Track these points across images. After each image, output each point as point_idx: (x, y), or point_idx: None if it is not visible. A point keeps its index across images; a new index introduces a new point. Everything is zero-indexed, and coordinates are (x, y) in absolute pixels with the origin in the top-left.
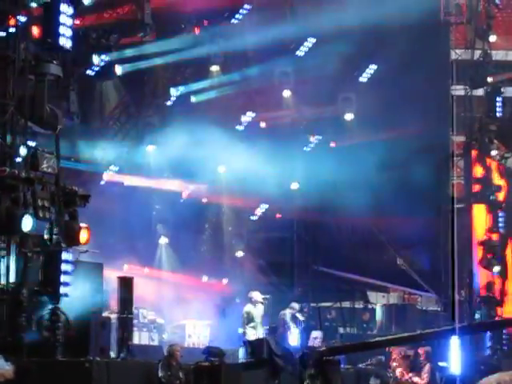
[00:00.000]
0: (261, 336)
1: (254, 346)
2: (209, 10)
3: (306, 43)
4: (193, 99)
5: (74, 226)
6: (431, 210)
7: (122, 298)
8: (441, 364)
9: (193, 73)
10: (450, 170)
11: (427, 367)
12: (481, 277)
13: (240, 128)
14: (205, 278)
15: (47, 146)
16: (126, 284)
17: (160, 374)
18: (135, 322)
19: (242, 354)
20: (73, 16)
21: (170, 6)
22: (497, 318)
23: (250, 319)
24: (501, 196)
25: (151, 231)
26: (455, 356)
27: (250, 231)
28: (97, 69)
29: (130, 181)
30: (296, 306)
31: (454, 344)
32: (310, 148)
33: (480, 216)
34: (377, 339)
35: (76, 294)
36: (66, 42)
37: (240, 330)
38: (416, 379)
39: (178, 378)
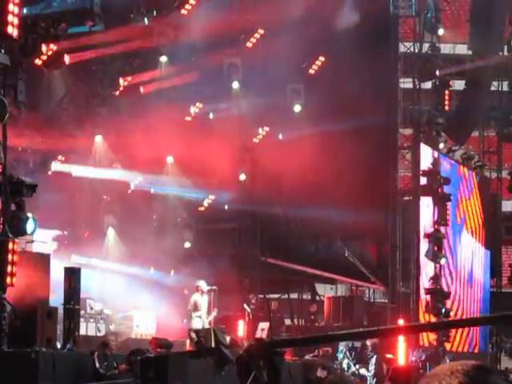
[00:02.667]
0: (206, 326)
1: (200, 336)
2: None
3: (255, 34)
4: (141, 89)
5: (21, 216)
6: (379, 203)
7: (68, 289)
8: (388, 356)
9: (141, 63)
10: (397, 163)
11: (374, 359)
12: (428, 269)
13: (189, 118)
14: (152, 269)
15: None
16: (72, 274)
17: (97, 365)
18: (82, 312)
19: (188, 344)
20: (20, 5)
21: None
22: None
23: (196, 308)
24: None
25: (99, 222)
26: (402, 348)
27: (197, 222)
28: (45, 58)
29: (77, 171)
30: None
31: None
32: (258, 139)
33: (427, 208)
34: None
35: (22, 284)
36: (13, 31)
37: (185, 320)
38: (363, 371)
39: (114, 367)
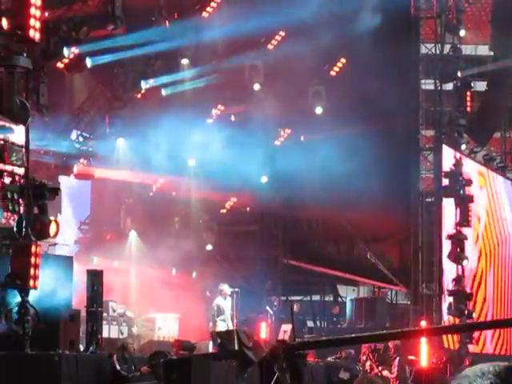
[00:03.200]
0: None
1: (223, 338)
2: (179, 2)
3: (276, 36)
4: (163, 92)
5: (44, 219)
6: (401, 204)
7: (91, 292)
8: (410, 357)
9: (163, 66)
10: (419, 164)
11: (397, 361)
12: (450, 271)
13: (210, 121)
14: (174, 271)
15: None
16: (95, 277)
17: (118, 367)
18: (105, 315)
19: (211, 347)
20: (42, 8)
21: None
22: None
23: (219, 312)
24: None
25: (121, 224)
26: (424, 349)
27: (219, 224)
28: (67, 61)
29: (100, 173)
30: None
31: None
32: (280, 142)
33: (449, 210)
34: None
35: (45, 287)
36: (35, 35)
37: (210, 324)
38: (385, 373)
39: (134, 369)
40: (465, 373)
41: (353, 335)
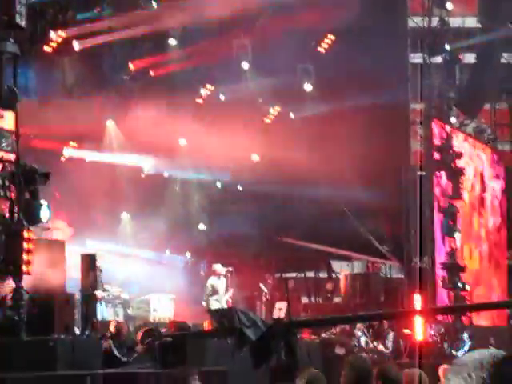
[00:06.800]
0: (224, 307)
1: (223, 316)
2: None
3: (263, 15)
4: (151, 73)
5: (35, 204)
6: (393, 179)
7: (85, 275)
8: (405, 331)
9: (151, 47)
10: (409, 138)
11: (391, 335)
12: (443, 244)
13: (199, 101)
14: (168, 252)
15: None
16: (89, 260)
17: (117, 354)
18: (99, 297)
19: (207, 326)
20: None
21: None
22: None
23: (214, 292)
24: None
25: (113, 207)
26: (419, 323)
27: (211, 204)
28: (54, 45)
29: (90, 157)
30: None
31: None
32: (270, 119)
33: (441, 183)
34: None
35: (38, 272)
36: (21, 20)
37: (203, 303)
38: (381, 347)
39: (130, 349)
40: (463, 360)
41: (349, 315)
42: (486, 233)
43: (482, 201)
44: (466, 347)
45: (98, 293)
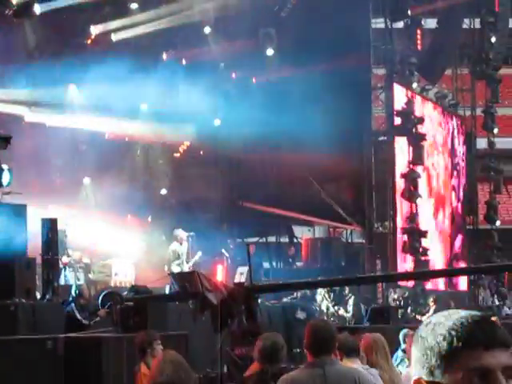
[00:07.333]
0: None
1: (185, 279)
2: None
3: None
4: (113, 38)
5: None
6: (354, 144)
7: (46, 239)
8: (366, 296)
9: (112, 11)
10: (371, 103)
11: (352, 300)
12: (404, 209)
13: (161, 65)
14: (129, 217)
15: None
16: (50, 224)
17: (79, 317)
18: (60, 262)
19: (168, 290)
20: None
21: None
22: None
23: (175, 257)
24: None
25: (74, 171)
26: (380, 288)
27: (173, 169)
28: (15, 8)
29: (51, 121)
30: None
31: None
32: (231, 84)
33: (403, 148)
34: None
35: None
36: None
37: (165, 269)
38: (341, 312)
39: (92, 313)
40: (437, 320)
41: (309, 280)
42: (455, 197)
43: (452, 165)
44: (431, 312)
45: (64, 258)
